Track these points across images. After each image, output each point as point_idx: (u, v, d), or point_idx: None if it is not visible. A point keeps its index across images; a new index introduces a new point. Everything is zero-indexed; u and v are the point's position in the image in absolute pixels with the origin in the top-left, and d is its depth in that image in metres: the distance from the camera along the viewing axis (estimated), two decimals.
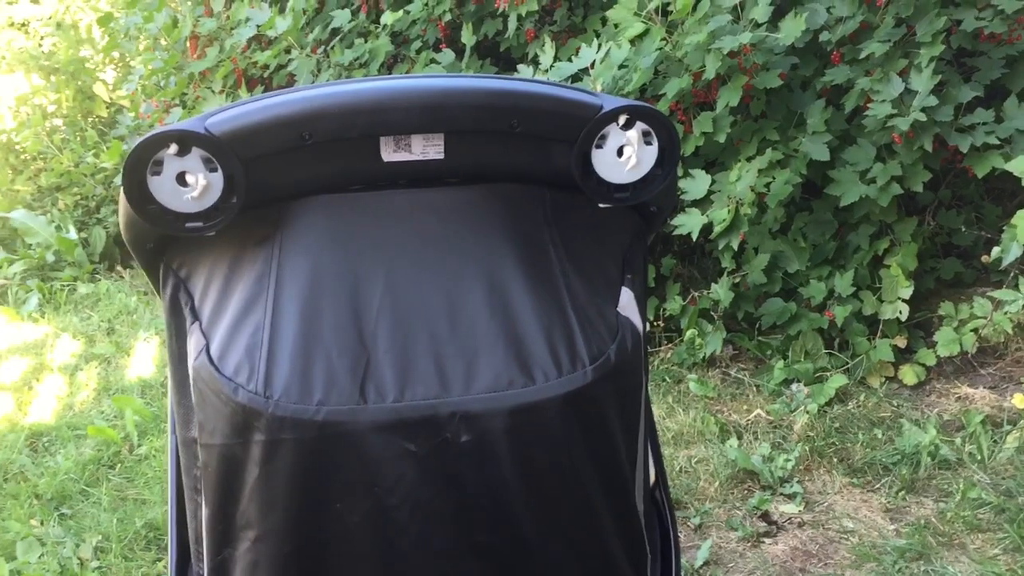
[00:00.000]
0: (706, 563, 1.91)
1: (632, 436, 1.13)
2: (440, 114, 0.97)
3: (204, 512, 1.07)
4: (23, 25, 11.90)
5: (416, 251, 1.02)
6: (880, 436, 2.31)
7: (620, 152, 1.03)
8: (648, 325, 2.93)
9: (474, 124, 0.99)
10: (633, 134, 1.02)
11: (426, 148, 0.99)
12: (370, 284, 1.00)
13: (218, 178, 0.96)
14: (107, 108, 5.06)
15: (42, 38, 6.07)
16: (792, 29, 2.38)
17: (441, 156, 1.00)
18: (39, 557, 2.11)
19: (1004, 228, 2.20)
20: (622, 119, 1.01)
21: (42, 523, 2.25)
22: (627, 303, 1.11)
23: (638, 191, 1.06)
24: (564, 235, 1.07)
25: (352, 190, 1.03)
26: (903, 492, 2.09)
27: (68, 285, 4.10)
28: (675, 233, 2.64)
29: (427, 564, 1.04)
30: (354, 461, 0.99)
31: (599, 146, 1.02)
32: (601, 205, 1.08)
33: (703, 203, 2.63)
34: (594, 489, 1.07)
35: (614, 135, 1.02)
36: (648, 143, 1.03)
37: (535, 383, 0.99)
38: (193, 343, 1.04)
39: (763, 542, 1.98)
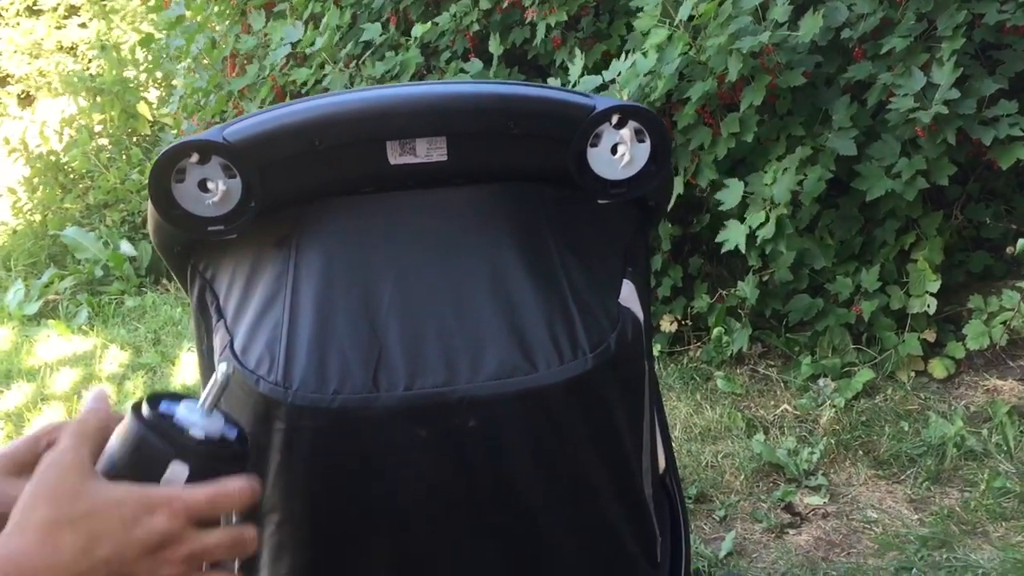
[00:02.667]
0: (730, 554, 1.94)
1: (636, 422, 1.17)
2: (441, 118, 1.03)
3: None
4: (72, 48, 12.23)
5: (423, 248, 1.08)
6: (907, 428, 2.32)
7: (614, 150, 1.08)
8: (677, 324, 2.98)
9: (473, 127, 1.04)
10: (626, 132, 1.07)
11: (430, 151, 1.05)
12: (381, 280, 1.06)
13: (237, 184, 1.03)
14: (150, 126, 5.22)
15: (89, 61, 6.26)
16: (810, 26, 2.41)
17: (445, 158, 1.06)
18: None
19: None
20: (614, 118, 1.06)
21: None
22: (628, 295, 1.15)
23: (633, 187, 1.11)
24: (565, 230, 1.12)
25: (363, 192, 1.09)
26: (928, 483, 2.10)
27: (116, 298, 4.24)
28: (723, 251, 2.64)
29: (441, 543, 1.09)
30: (368, 447, 1.04)
31: (594, 144, 1.07)
32: (599, 201, 1.13)
33: (737, 207, 2.65)
34: (598, 472, 1.12)
35: (608, 134, 1.07)
36: (641, 140, 1.08)
37: (538, 370, 1.04)
38: (219, 339, 1.11)
39: (787, 533, 2.01)
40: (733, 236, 2.60)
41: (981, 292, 2.63)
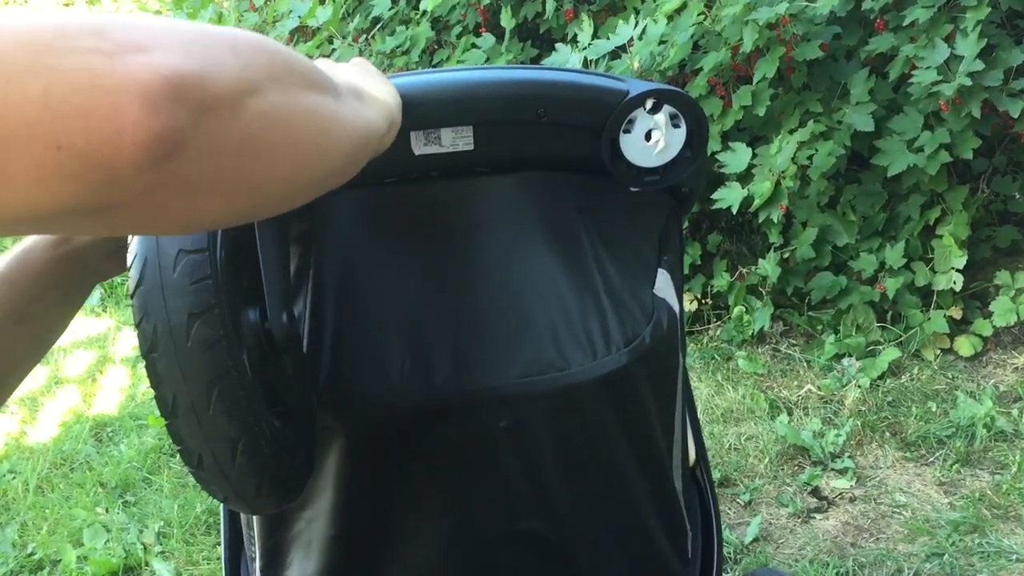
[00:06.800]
0: (756, 539, 1.91)
1: (668, 416, 1.14)
2: (467, 106, 0.98)
3: None
4: None
5: (449, 241, 1.04)
6: (934, 409, 2.28)
7: (648, 136, 1.03)
8: (696, 303, 2.94)
9: (501, 115, 1.00)
10: (661, 117, 1.02)
11: (455, 140, 1.01)
12: (406, 274, 1.02)
13: None
14: None
15: None
16: None
17: (471, 147, 1.01)
18: (104, 543, 2.19)
19: None
20: (649, 103, 1.01)
21: (107, 510, 2.33)
22: (663, 285, 1.12)
23: (668, 174, 1.06)
24: (597, 220, 1.08)
25: (386, 183, 1.05)
26: (957, 465, 2.06)
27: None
28: (715, 207, 2.62)
29: (471, 548, 1.07)
30: (395, 446, 1.01)
31: (627, 131, 1.02)
32: (632, 189, 1.08)
33: (745, 177, 2.61)
34: (631, 469, 1.09)
35: (641, 119, 1.02)
36: (676, 126, 1.03)
37: (570, 367, 1.01)
38: None
39: (814, 518, 1.98)
40: (729, 196, 2.56)
41: (1008, 268, 2.58)
